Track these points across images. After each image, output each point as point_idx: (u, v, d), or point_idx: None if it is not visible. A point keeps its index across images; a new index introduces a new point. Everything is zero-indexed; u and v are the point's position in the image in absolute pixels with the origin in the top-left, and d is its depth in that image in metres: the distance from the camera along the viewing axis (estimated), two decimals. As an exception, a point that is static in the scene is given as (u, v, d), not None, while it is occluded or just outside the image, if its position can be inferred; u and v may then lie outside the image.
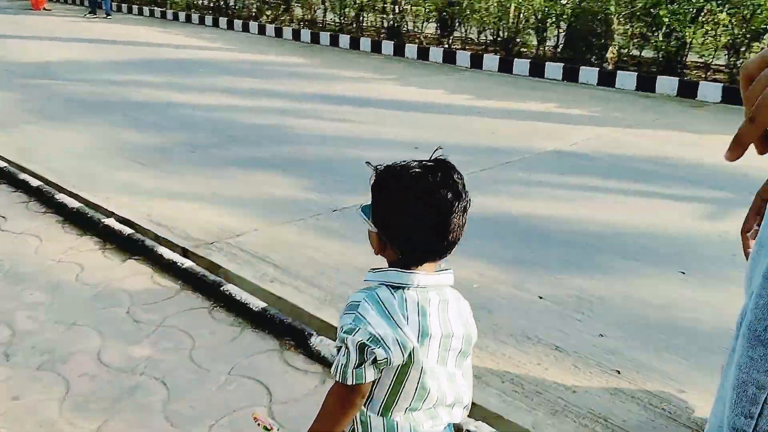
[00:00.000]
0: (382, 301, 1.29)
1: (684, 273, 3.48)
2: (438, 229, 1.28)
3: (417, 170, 1.28)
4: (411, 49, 11.08)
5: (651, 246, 3.82)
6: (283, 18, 14.10)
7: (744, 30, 8.32)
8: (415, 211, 1.27)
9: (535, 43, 10.37)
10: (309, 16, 13.72)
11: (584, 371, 2.58)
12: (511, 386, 2.48)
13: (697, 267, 3.55)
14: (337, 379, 1.29)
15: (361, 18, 12.59)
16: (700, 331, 2.91)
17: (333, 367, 1.30)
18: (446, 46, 11.19)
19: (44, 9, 16.53)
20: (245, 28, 13.99)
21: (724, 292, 3.23)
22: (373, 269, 1.35)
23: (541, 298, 3.16)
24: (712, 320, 2.97)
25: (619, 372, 2.58)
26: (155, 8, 16.47)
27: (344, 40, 12.10)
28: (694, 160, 5.54)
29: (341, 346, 1.28)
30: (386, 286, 1.31)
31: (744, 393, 0.90)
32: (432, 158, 1.32)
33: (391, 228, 1.31)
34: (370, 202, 1.35)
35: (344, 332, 1.27)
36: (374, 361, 1.25)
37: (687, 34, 8.47)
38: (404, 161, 1.32)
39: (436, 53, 10.78)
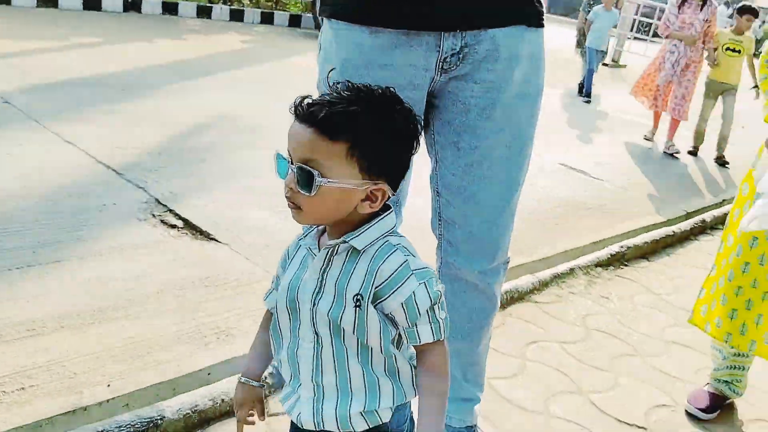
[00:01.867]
0: (405, 246, 1.10)
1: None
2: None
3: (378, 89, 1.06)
4: None
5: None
6: None
7: None
8: (404, 128, 1.08)
9: None
10: None
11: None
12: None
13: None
14: (441, 337, 1.10)
15: None
16: None
17: (435, 329, 1.09)
18: None
19: None
20: None
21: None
22: (352, 234, 1.07)
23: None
24: None
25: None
26: None
27: None
28: None
29: (430, 306, 1.08)
30: (388, 236, 1.09)
31: None
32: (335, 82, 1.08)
33: (391, 161, 1.07)
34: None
35: (433, 288, 1.07)
36: None
37: None
38: (327, 95, 1.04)
39: None
